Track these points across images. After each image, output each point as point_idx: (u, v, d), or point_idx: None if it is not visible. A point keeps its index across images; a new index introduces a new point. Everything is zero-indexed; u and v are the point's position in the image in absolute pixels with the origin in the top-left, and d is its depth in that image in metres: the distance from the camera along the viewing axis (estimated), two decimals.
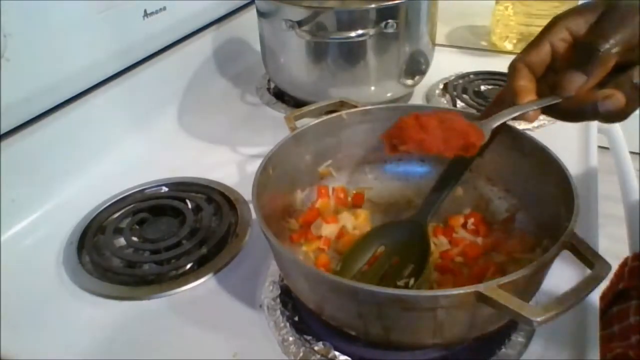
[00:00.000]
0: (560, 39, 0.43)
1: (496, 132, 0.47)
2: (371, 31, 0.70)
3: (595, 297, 0.50)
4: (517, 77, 0.45)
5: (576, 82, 0.42)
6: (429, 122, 0.46)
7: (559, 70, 0.43)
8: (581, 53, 0.42)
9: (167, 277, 0.54)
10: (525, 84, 0.45)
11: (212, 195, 0.64)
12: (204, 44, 0.90)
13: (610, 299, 0.68)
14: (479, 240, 0.53)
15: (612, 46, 0.40)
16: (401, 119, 0.48)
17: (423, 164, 0.59)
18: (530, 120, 0.45)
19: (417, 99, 0.85)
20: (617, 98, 0.41)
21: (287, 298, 0.50)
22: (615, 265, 0.74)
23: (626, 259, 0.74)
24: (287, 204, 0.55)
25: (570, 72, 0.42)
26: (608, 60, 0.41)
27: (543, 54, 0.44)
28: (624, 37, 0.40)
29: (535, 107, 0.44)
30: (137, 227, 0.61)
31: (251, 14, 0.87)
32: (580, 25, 0.43)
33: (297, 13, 0.71)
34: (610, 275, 0.69)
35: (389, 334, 0.41)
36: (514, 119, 0.45)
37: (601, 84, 0.42)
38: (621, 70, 0.42)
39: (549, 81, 0.45)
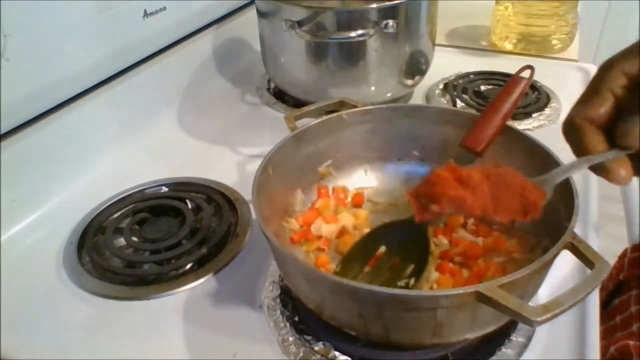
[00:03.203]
0: (620, 85, 0.38)
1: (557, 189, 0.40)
2: (371, 31, 0.70)
3: (595, 297, 0.50)
4: (583, 137, 0.39)
5: None
6: (470, 177, 0.39)
7: (621, 117, 0.38)
8: None
9: (167, 277, 0.54)
10: (594, 139, 0.39)
11: (212, 195, 0.64)
12: (204, 44, 0.90)
13: (611, 290, 0.68)
14: (479, 240, 0.53)
15: None
16: (433, 172, 0.39)
17: (423, 164, 0.59)
18: (622, 182, 0.38)
19: (417, 99, 0.85)
20: None
21: (287, 298, 0.50)
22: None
23: (625, 250, 0.74)
24: (287, 204, 0.55)
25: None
26: None
27: (607, 105, 0.38)
28: None
29: (609, 157, 0.38)
30: (137, 227, 0.61)
31: (251, 14, 0.87)
32: (637, 66, 0.38)
33: (297, 13, 0.71)
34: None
35: (389, 334, 0.41)
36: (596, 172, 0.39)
37: None
38: None
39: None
